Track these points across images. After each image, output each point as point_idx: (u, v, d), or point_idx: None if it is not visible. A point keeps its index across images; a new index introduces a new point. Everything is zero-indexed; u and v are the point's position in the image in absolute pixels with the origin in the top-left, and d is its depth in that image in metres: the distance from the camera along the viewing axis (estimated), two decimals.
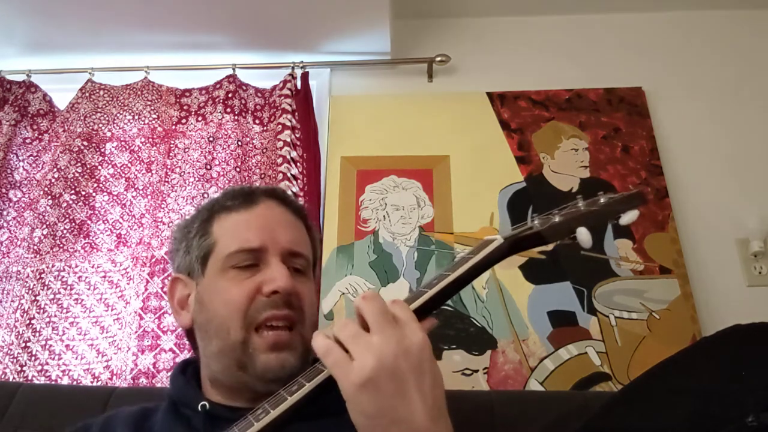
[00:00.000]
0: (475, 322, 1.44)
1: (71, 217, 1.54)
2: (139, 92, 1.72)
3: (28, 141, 1.69)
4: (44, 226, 1.51)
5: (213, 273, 0.82)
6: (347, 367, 0.53)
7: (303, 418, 0.56)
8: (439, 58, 1.78)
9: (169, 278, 0.90)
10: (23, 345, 1.39)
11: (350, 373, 0.52)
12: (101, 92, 1.72)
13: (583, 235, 0.63)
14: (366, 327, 0.55)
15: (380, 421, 0.52)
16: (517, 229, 0.65)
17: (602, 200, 0.66)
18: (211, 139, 1.62)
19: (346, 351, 0.54)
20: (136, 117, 1.69)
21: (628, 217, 0.66)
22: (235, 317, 0.76)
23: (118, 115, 1.69)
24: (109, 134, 1.67)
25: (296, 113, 1.65)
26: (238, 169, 1.58)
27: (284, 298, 0.77)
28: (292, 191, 1.51)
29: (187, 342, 1.37)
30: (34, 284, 1.45)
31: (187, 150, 1.63)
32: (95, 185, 1.60)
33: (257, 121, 1.68)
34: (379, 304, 0.56)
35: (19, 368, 1.37)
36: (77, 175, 1.59)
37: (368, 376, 0.51)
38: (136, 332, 1.39)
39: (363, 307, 0.56)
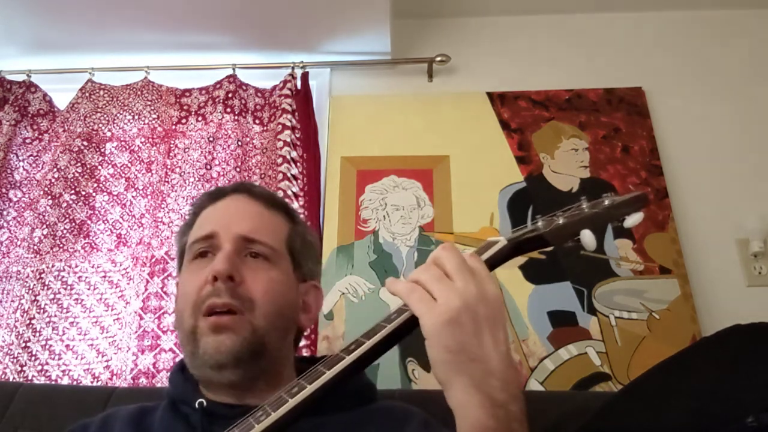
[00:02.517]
0: None
1: (71, 217, 1.54)
2: (139, 92, 1.72)
3: (28, 141, 1.69)
4: (44, 226, 1.51)
5: (183, 268, 0.86)
6: (431, 303, 0.56)
7: (304, 415, 0.56)
8: (439, 58, 1.78)
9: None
10: (23, 345, 1.39)
11: (435, 309, 0.55)
12: (101, 92, 1.72)
13: (587, 237, 0.63)
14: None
15: (461, 357, 0.54)
16: (520, 230, 0.65)
17: (606, 202, 0.65)
18: (211, 139, 1.62)
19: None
20: (136, 117, 1.69)
21: (633, 220, 0.65)
22: (187, 307, 0.78)
23: (118, 115, 1.69)
24: (109, 134, 1.67)
25: (296, 113, 1.65)
26: (238, 169, 1.57)
27: (225, 283, 0.76)
28: (292, 191, 1.51)
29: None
30: (34, 284, 1.45)
31: (187, 150, 1.63)
32: (95, 185, 1.60)
33: (257, 121, 1.68)
34: (458, 255, 0.59)
35: (19, 368, 1.37)
36: (77, 175, 1.59)
37: (452, 314, 0.54)
38: (136, 332, 1.39)
39: (443, 256, 0.58)
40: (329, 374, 0.56)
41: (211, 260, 0.80)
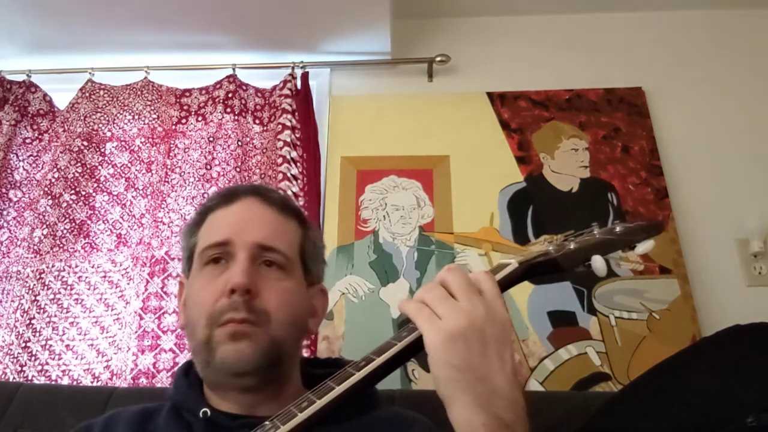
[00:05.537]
0: None
1: (71, 217, 1.54)
2: (139, 92, 1.72)
3: (28, 141, 1.69)
4: (44, 226, 1.51)
5: (194, 272, 0.83)
6: (437, 322, 0.55)
7: (312, 428, 0.57)
8: (439, 58, 1.78)
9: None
10: (23, 345, 1.39)
11: (441, 327, 0.55)
12: (101, 92, 1.72)
13: (598, 263, 0.63)
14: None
15: (466, 374, 0.54)
16: (531, 254, 0.65)
17: (618, 229, 0.66)
18: (211, 139, 1.62)
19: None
20: (136, 117, 1.69)
21: (644, 247, 0.65)
22: (201, 318, 0.76)
23: (118, 115, 1.69)
24: (109, 134, 1.67)
25: (296, 113, 1.65)
26: (238, 169, 1.58)
27: (243, 296, 0.75)
28: (292, 191, 1.51)
29: (187, 342, 1.38)
30: (34, 284, 1.45)
31: (187, 150, 1.63)
32: (95, 185, 1.60)
33: (257, 121, 1.68)
34: (463, 276, 0.58)
35: (19, 368, 1.37)
36: (77, 175, 1.58)
37: (459, 331, 0.54)
38: (136, 332, 1.39)
39: (447, 278, 0.58)
40: (338, 390, 0.57)
41: (225, 267, 0.79)
